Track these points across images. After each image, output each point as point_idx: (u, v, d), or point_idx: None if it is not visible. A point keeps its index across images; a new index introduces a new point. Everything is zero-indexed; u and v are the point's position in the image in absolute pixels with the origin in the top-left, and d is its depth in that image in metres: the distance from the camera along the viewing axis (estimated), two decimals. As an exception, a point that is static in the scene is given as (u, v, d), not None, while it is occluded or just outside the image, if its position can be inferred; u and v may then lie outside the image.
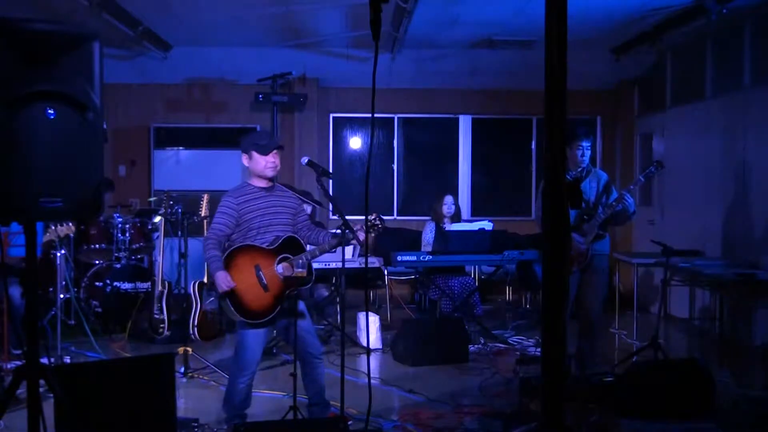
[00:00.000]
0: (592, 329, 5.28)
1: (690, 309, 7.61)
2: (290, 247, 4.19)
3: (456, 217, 7.31)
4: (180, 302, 6.70)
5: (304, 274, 4.11)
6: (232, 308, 4.03)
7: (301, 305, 4.28)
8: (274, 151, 4.18)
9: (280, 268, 4.13)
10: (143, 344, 6.50)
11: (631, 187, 5.30)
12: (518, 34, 7.59)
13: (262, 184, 4.23)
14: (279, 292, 4.11)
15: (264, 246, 4.13)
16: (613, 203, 5.11)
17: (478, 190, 9.79)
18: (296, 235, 4.25)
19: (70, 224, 5.69)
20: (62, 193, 2.35)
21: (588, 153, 5.24)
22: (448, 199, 7.23)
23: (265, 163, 4.16)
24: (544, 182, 1.88)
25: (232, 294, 4.01)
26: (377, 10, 2.28)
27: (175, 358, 4.23)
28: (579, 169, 5.22)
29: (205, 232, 6.36)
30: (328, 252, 4.40)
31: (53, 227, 5.51)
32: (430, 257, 6.74)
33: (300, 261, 4.14)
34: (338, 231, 4.16)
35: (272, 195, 4.24)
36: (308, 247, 4.21)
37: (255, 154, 4.17)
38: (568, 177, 5.19)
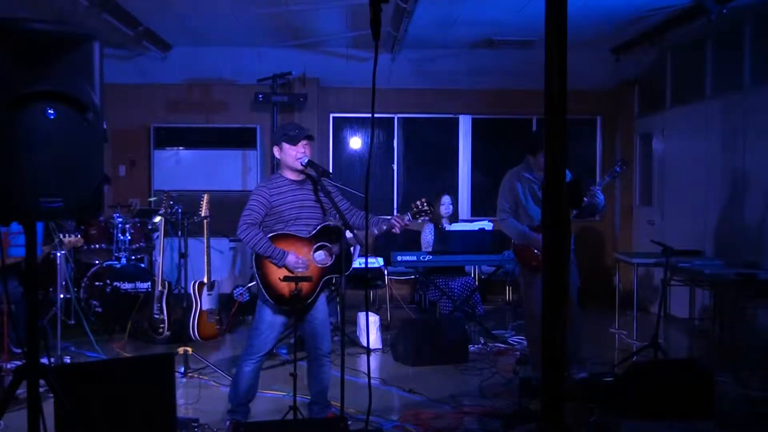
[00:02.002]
0: (573, 321, 5.33)
1: (690, 309, 7.61)
2: (327, 234, 4.21)
3: (453, 218, 7.31)
4: (180, 302, 6.71)
5: (306, 273, 4.12)
6: (266, 293, 4.07)
7: (322, 300, 4.31)
8: (304, 141, 4.19)
9: (318, 255, 4.16)
10: (143, 344, 6.51)
11: (597, 187, 5.31)
12: (518, 34, 7.58)
13: (294, 176, 4.23)
14: (315, 279, 4.15)
15: (301, 234, 4.15)
16: (590, 195, 5.19)
17: (478, 190, 9.79)
18: (337, 223, 4.26)
19: (78, 236, 5.71)
20: (62, 193, 2.35)
21: None
22: (446, 199, 7.23)
23: (296, 154, 4.16)
24: (544, 182, 1.88)
25: (266, 280, 4.06)
26: (377, 9, 2.28)
27: (175, 358, 4.24)
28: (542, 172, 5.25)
29: (206, 232, 6.42)
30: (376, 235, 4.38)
31: (61, 236, 5.53)
32: (430, 257, 6.74)
33: (335, 249, 4.17)
34: (386, 216, 4.20)
35: (303, 188, 4.24)
36: (348, 234, 4.15)
37: (285, 145, 4.18)
38: (533, 178, 5.30)
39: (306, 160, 4.22)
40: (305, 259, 4.11)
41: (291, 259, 4.07)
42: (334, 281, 4.42)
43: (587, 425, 4.11)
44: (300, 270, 4.09)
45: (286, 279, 4.05)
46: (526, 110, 9.44)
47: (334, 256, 4.20)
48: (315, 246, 4.18)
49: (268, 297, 4.10)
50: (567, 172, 5.66)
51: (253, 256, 4.13)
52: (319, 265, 4.18)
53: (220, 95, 9.21)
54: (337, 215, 4.18)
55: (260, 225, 4.13)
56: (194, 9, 6.81)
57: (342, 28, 7.52)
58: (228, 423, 4.27)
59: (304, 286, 4.07)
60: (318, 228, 4.20)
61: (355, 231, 4.16)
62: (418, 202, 4.25)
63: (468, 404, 4.87)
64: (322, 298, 4.31)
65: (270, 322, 4.18)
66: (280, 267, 4.09)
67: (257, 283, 4.14)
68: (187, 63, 8.68)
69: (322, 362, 4.30)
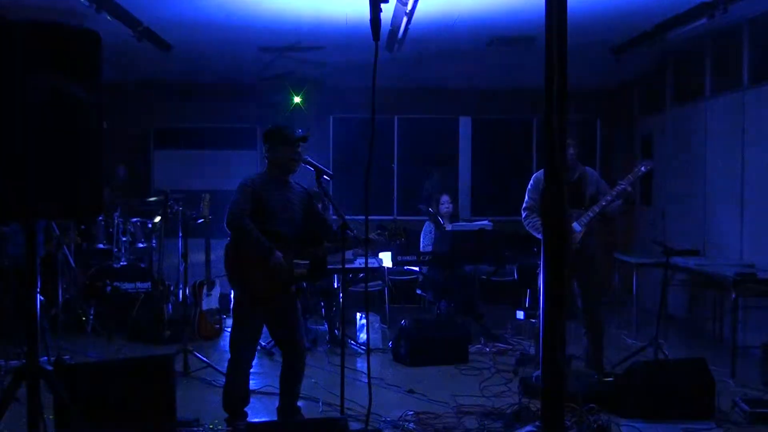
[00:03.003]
0: (600, 327, 5.38)
1: (690, 309, 7.61)
2: (311, 239, 4.20)
3: (454, 217, 7.32)
4: (180, 302, 6.71)
5: (305, 272, 4.11)
6: (242, 288, 4.06)
7: (296, 302, 4.30)
8: (300, 144, 4.18)
9: (299, 259, 4.16)
10: (143, 344, 6.50)
11: (622, 185, 5.30)
12: (518, 34, 7.58)
13: (282, 176, 4.22)
14: (290, 281, 4.15)
15: (286, 234, 4.13)
16: (615, 195, 5.23)
17: (478, 190, 9.79)
18: (315, 230, 4.26)
19: (75, 234, 5.71)
20: (62, 193, 2.35)
21: (572, 150, 5.35)
22: (445, 198, 7.25)
23: (290, 154, 4.15)
24: (544, 183, 1.88)
25: (245, 275, 4.04)
26: (377, 10, 2.28)
27: (175, 358, 4.24)
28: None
29: (206, 232, 6.42)
30: (346, 249, 4.40)
31: (58, 234, 5.54)
32: (430, 257, 6.74)
33: (316, 255, 4.17)
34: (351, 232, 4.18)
35: (287, 189, 4.24)
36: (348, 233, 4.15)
37: (279, 146, 4.16)
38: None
39: (306, 161, 4.21)
40: (285, 263, 4.06)
41: (278, 256, 4.03)
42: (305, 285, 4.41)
43: (587, 425, 4.11)
44: (278, 272, 4.05)
45: (288, 274, 4.03)
46: (526, 110, 9.44)
47: (312, 261, 4.18)
48: (298, 249, 4.16)
49: (244, 293, 4.07)
50: (590, 170, 5.71)
51: (230, 253, 4.08)
52: (299, 270, 4.15)
53: (220, 95, 9.20)
54: (335, 215, 4.19)
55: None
56: (194, 9, 6.81)
57: (342, 28, 7.52)
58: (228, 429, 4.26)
59: (277, 286, 4.07)
60: (303, 232, 4.19)
61: (354, 232, 4.16)
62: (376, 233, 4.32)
63: (468, 404, 4.86)
64: (296, 301, 4.30)
65: (249, 327, 4.17)
66: (266, 260, 4.02)
67: (234, 284, 4.11)
68: (187, 63, 8.68)
69: (296, 361, 4.27)
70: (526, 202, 5.53)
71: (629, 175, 5.29)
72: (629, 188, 5.21)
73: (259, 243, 4.01)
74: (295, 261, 4.11)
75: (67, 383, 3.47)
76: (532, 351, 6.08)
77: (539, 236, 5.39)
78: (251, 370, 4.31)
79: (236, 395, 4.22)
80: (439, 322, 6.51)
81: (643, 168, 5.31)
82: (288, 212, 4.19)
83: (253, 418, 4.36)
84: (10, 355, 5.24)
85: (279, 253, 4.02)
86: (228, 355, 4.28)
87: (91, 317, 6.79)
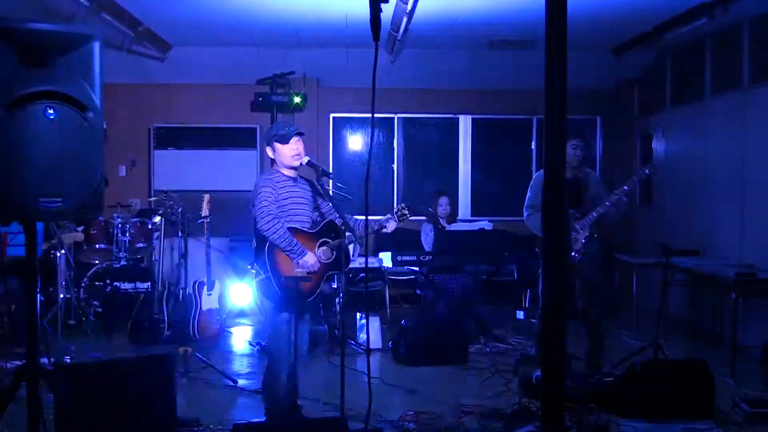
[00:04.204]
0: (600, 327, 5.38)
1: (690, 309, 7.61)
2: (330, 231, 4.23)
3: (451, 218, 7.32)
4: (180, 302, 6.71)
5: (305, 274, 4.11)
6: (277, 287, 4.07)
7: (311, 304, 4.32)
8: (296, 138, 4.19)
9: (320, 252, 4.18)
10: (143, 344, 6.50)
11: (625, 188, 5.34)
12: (518, 34, 7.59)
13: (289, 173, 4.25)
14: (318, 275, 4.16)
15: (306, 229, 4.17)
16: (608, 204, 5.25)
17: (478, 190, 9.79)
18: (334, 220, 4.28)
19: (79, 232, 5.70)
20: (62, 193, 2.35)
21: (578, 152, 5.39)
22: (443, 200, 7.25)
23: (289, 152, 4.17)
24: (543, 183, 1.88)
25: (280, 275, 4.06)
26: (377, 10, 2.28)
27: (175, 358, 4.24)
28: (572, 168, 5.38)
29: (206, 232, 6.42)
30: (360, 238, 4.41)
31: (60, 234, 5.53)
32: (430, 257, 6.74)
33: (336, 245, 4.19)
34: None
35: (297, 185, 4.26)
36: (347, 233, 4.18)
37: (277, 145, 4.19)
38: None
39: (306, 161, 4.23)
40: (317, 260, 4.11)
41: (309, 258, 4.08)
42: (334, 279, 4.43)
43: (587, 425, 4.11)
44: (310, 269, 4.08)
45: (286, 280, 4.04)
46: (526, 110, 9.44)
47: (334, 253, 4.21)
48: (318, 242, 4.19)
49: (279, 289, 4.07)
50: (592, 173, 5.79)
51: (268, 251, 4.10)
52: (322, 261, 4.19)
53: (220, 95, 9.20)
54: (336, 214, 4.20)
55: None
56: (194, 9, 6.81)
57: (342, 28, 7.52)
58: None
59: (307, 283, 4.08)
60: (322, 224, 4.23)
61: (354, 230, 4.18)
62: (398, 208, 4.34)
63: (468, 404, 4.86)
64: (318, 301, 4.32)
65: (286, 320, 4.15)
66: (295, 261, 4.07)
67: (271, 281, 4.10)
68: (187, 63, 8.68)
69: (296, 366, 4.28)
70: (529, 200, 5.55)
71: (633, 177, 5.36)
72: (624, 197, 5.26)
73: (290, 245, 4.05)
74: (317, 251, 4.13)
75: (67, 383, 3.46)
76: (532, 351, 6.07)
77: (541, 234, 5.41)
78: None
79: (281, 388, 4.21)
80: (439, 322, 6.51)
81: (647, 171, 5.37)
82: (302, 208, 4.22)
83: (252, 418, 4.36)
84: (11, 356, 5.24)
85: (310, 254, 4.09)
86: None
87: (91, 317, 6.79)
